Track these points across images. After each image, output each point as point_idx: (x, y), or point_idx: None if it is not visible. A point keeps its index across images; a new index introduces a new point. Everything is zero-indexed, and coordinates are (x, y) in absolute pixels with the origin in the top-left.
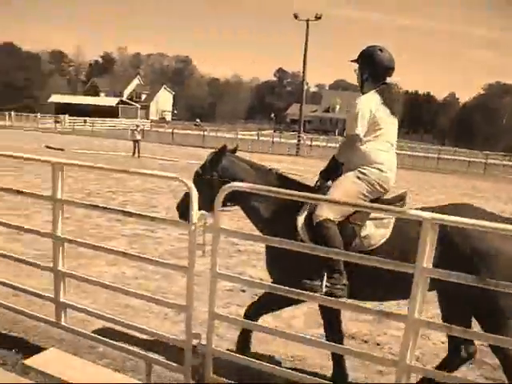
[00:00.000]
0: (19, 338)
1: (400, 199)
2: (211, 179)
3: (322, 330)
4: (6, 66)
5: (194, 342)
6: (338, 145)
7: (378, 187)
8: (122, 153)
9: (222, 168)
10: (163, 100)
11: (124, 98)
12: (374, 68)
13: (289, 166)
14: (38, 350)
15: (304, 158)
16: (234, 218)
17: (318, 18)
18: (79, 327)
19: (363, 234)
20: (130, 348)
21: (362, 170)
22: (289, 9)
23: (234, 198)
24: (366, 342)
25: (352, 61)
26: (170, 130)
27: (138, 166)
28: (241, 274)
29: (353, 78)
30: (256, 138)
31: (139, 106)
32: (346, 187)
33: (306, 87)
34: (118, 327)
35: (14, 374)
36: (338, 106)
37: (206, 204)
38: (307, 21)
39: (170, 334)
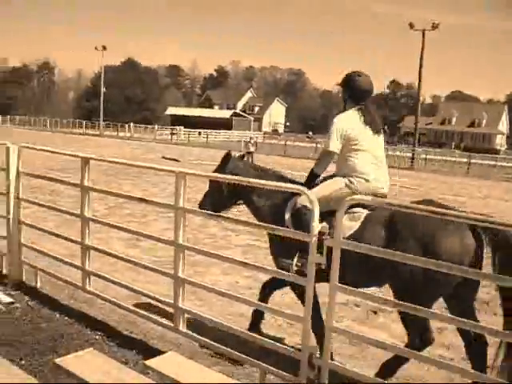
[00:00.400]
0: (139, 340)
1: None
2: (220, 182)
3: (439, 350)
4: (127, 81)
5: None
6: (453, 158)
7: (356, 187)
8: None
9: (228, 171)
10: (276, 112)
11: (237, 111)
12: (352, 91)
13: (401, 180)
14: (156, 352)
15: (418, 171)
16: None
17: (434, 27)
18: (193, 333)
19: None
20: (245, 356)
21: (351, 179)
22: (402, 19)
23: (240, 197)
24: None
25: (337, 84)
26: (283, 142)
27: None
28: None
29: (470, 89)
30: None
31: (252, 119)
32: (333, 189)
33: (420, 99)
34: (232, 335)
35: (135, 372)
36: (454, 118)
37: (217, 204)
38: (423, 30)
39: (282, 344)
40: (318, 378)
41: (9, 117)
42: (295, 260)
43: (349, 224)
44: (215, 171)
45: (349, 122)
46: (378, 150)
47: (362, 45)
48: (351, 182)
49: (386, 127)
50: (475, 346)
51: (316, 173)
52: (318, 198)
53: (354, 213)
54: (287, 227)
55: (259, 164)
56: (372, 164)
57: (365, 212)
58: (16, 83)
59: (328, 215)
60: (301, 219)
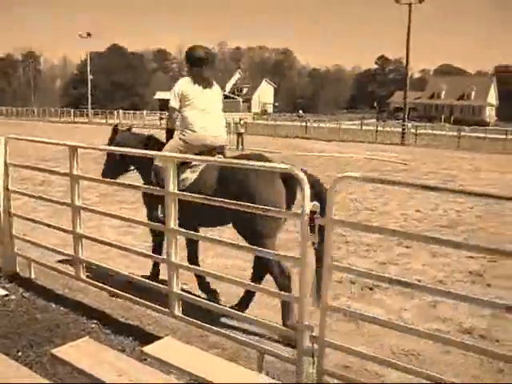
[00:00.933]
0: (135, 326)
1: (219, 152)
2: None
3: (434, 324)
4: (113, 66)
5: (308, 333)
6: (444, 132)
7: (194, 143)
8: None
9: (116, 142)
10: (264, 93)
11: (226, 92)
12: (188, 60)
13: (393, 155)
14: (153, 338)
15: (410, 146)
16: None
17: (421, 0)
18: (191, 317)
19: (182, 177)
20: (242, 338)
21: (182, 132)
22: None
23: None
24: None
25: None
26: (273, 123)
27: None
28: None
29: (458, 62)
30: (359, 127)
31: (241, 100)
32: (171, 143)
33: (409, 73)
34: (228, 317)
35: (133, 359)
36: (443, 92)
37: (112, 172)
38: (409, 4)
39: (278, 325)
40: (315, 356)
41: None
42: (159, 211)
43: (190, 175)
44: (108, 144)
45: (183, 83)
46: (207, 103)
47: (349, 21)
48: (183, 135)
49: (375, 103)
50: (280, 279)
51: (169, 128)
52: (169, 152)
53: (194, 166)
54: (153, 183)
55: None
56: (199, 116)
57: (203, 165)
58: (1, 74)
59: (182, 165)
60: (159, 177)
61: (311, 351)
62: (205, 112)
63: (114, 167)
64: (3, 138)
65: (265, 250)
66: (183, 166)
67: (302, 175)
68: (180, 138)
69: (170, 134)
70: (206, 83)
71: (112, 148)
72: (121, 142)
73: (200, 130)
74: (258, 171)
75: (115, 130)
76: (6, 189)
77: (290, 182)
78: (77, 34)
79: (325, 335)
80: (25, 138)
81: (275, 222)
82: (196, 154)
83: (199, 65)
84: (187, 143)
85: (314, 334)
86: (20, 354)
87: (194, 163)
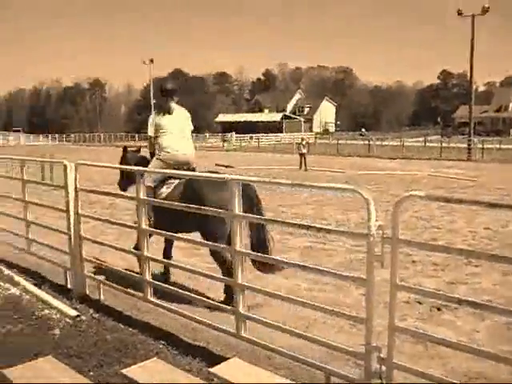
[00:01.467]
0: (201, 347)
1: (188, 167)
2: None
3: (507, 346)
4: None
5: (375, 354)
6: None
7: (168, 162)
8: (288, 167)
9: (128, 160)
10: (326, 112)
11: (287, 113)
12: (159, 92)
13: (459, 172)
14: (219, 358)
15: (476, 162)
16: None
17: (485, 11)
18: (256, 338)
19: (160, 192)
20: (308, 359)
21: (158, 154)
22: (449, 5)
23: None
24: None
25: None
26: (335, 142)
27: (307, 179)
28: (417, 286)
29: None
30: (423, 144)
31: (303, 120)
32: (153, 164)
33: (474, 87)
34: (295, 339)
35: (200, 380)
36: (511, 104)
37: (124, 185)
38: (472, 16)
39: (344, 346)
40: (383, 378)
41: (64, 135)
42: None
43: (165, 190)
44: (120, 162)
45: (154, 116)
46: (174, 128)
47: (408, 37)
48: (158, 155)
49: (438, 119)
50: (224, 267)
51: (150, 151)
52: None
53: (169, 183)
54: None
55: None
56: (170, 139)
57: (176, 181)
58: (69, 102)
59: (163, 181)
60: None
61: (379, 373)
62: (173, 135)
63: (125, 181)
64: (73, 165)
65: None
66: (161, 183)
67: (367, 195)
68: (157, 159)
69: (151, 156)
70: (170, 111)
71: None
72: (131, 160)
73: (172, 151)
74: (209, 182)
75: (125, 150)
76: (77, 213)
77: (244, 189)
78: (140, 61)
79: (393, 357)
80: (93, 164)
81: (225, 225)
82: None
83: (164, 95)
84: (164, 162)
85: (381, 355)
86: (91, 373)
87: (169, 181)
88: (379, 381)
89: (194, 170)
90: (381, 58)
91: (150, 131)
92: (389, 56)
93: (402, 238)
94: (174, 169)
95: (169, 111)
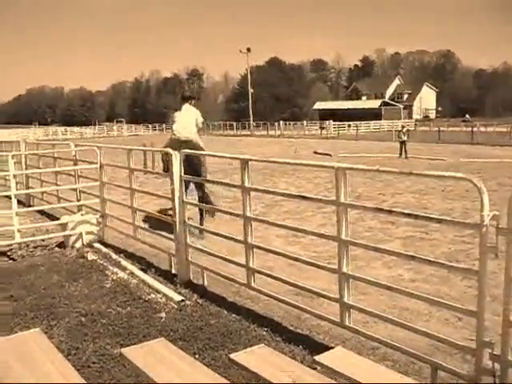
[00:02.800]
0: (304, 335)
1: (189, 145)
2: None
3: None
4: (273, 79)
5: (487, 350)
6: None
7: (174, 140)
8: (387, 154)
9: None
10: (426, 98)
11: (386, 100)
12: (179, 99)
13: None
14: (322, 347)
15: None
16: None
17: None
18: (360, 328)
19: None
20: (415, 351)
21: (171, 135)
22: None
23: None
24: None
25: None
26: (436, 129)
27: (407, 167)
28: None
29: None
30: None
31: (402, 107)
32: (166, 141)
33: None
34: (398, 330)
35: (307, 367)
36: None
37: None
38: None
39: (453, 339)
40: (496, 376)
41: (164, 125)
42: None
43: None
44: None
45: (175, 114)
46: (180, 120)
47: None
48: (171, 136)
49: None
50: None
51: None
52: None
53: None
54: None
55: None
56: (176, 126)
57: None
58: (169, 92)
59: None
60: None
61: (492, 370)
62: (179, 124)
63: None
64: (179, 154)
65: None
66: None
67: (480, 184)
68: (169, 138)
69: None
70: (181, 109)
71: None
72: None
73: (176, 133)
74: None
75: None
76: (182, 200)
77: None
78: (237, 50)
79: (508, 354)
80: (197, 153)
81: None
82: (178, 145)
83: (182, 100)
84: (171, 140)
85: (495, 352)
86: (196, 356)
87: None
88: (492, 378)
89: (195, 145)
90: (485, 41)
91: (171, 120)
92: (493, 39)
93: None
94: (179, 145)
95: (180, 109)
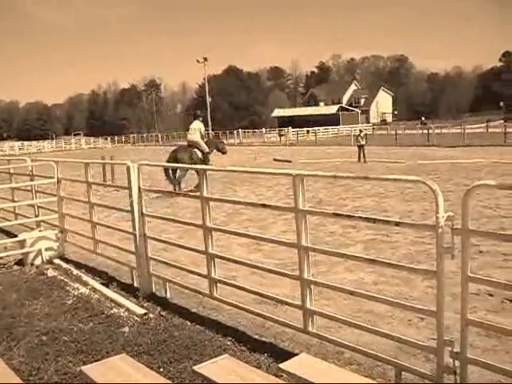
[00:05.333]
0: (269, 343)
1: (194, 145)
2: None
3: None
4: (230, 88)
5: (447, 349)
6: None
7: (188, 141)
8: (347, 159)
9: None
10: (382, 102)
11: (343, 105)
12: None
13: None
14: (287, 354)
15: None
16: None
17: None
18: (324, 333)
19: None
20: (379, 354)
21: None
22: None
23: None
24: None
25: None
26: (393, 132)
27: (366, 171)
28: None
29: None
30: (485, 130)
31: (359, 111)
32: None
33: None
34: (363, 333)
35: (272, 376)
36: None
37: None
38: None
39: (415, 340)
40: (457, 373)
41: (123, 136)
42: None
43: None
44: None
45: (190, 125)
46: (191, 129)
47: (465, 20)
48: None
49: (501, 103)
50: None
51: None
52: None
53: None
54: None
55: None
56: (189, 133)
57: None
58: (126, 104)
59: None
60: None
61: (452, 368)
62: (190, 130)
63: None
64: (136, 165)
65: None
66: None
67: (434, 186)
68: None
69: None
70: (193, 122)
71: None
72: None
73: (189, 137)
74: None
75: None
76: (141, 213)
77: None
78: (194, 60)
79: (467, 351)
80: (156, 164)
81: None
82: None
83: (194, 116)
84: (187, 141)
85: (455, 349)
86: (162, 369)
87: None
88: (453, 376)
89: (197, 144)
90: (437, 44)
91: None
92: (445, 40)
93: (472, 228)
94: (189, 144)
95: (192, 122)
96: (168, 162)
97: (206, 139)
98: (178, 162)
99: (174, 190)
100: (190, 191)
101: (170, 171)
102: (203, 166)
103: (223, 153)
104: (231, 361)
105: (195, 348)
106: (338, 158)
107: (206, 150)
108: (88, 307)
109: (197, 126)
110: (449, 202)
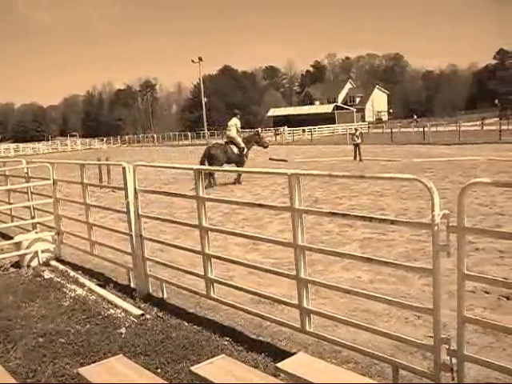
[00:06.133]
0: (266, 343)
1: (231, 141)
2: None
3: None
4: (226, 87)
5: (444, 346)
6: None
7: (226, 136)
8: (342, 158)
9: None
10: (378, 100)
11: (339, 104)
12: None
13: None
14: (285, 353)
15: None
16: None
17: None
18: (321, 332)
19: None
20: (376, 352)
21: None
22: None
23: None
24: None
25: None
26: (389, 130)
27: (362, 169)
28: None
29: None
30: (480, 127)
31: (355, 110)
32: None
33: None
34: (360, 332)
35: (269, 376)
36: None
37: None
38: None
39: (412, 338)
40: (454, 371)
41: (118, 137)
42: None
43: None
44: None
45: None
46: (228, 126)
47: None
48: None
49: (496, 101)
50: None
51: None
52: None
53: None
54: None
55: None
56: (228, 130)
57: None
58: (122, 105)
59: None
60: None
61: (449, 366)
62: (228, 127)
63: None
64: (132, 166)
65: None
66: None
67: (430, 184)
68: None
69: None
70: (231, 119)
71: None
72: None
73: (227, 132)
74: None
75: (258, 134)
76: (137, 214)
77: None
78: (189, 60)
79: (463, 348)
80: (152, 165)
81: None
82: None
83: (232, 115)
84: (226, 136)
85: (451, 347)
86: (159, 370)
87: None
88: (450, 373)
89: (234, 140)
90: (431, 42)
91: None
92: (440, 38)
93: (468, 226)
94: (227, 140)
95: (231, 120)
96: (202, 157)
97: (242, 135)
98: (211, 158)
99: (210, 182)
100: (234, 183)
101: (206, 164)
102: (196, 167)
103: (264, 147)
104: (228, 361)
105: (192, 348)
106: (333, 157)
107: (242, 145)
108: (85, 309)
109: (233, 122)
110: (445, 200)
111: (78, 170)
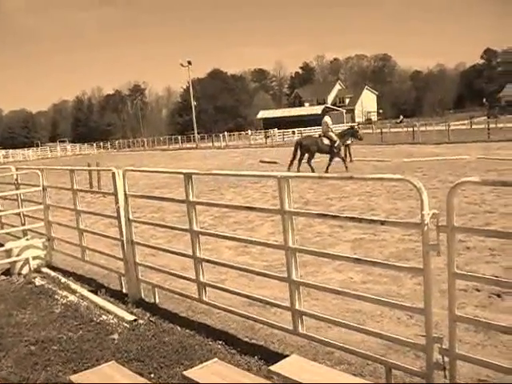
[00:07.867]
0: (259, 346)
1: (326, 134)
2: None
3: None
4: (216, 90)
5: (436, 345)
6: None
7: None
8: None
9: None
10: (367, 101)
11: (328, 105)
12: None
13: (510, 153)
14: (278, 356)
15: None
16: None
17: None
18: (314, 334)
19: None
20: (369, 353)
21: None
22: None
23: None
24: None
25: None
26: (379, 131)
27: (352, 170)
28: (473, 273)
29: None
30: (468, 126)
31: (344, 111)
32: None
33: None
34: (352, 333)
35: (263, 378)
36: None
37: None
38: None
39: (404, 338)
40: (446, 369)
41: (108, 142)
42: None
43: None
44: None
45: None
46: (323, 122)
47: (446, 17)
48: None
49: (484, 100)
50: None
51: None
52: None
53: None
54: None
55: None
56: (322, 124)
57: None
58: (111, 109)
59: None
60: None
61: (442, 364)
62: (322, 123)
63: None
64: (122, 171)
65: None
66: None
67: (419, 184)
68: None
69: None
70: (324, 118)
71: (221, 172)
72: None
73: (322, 126)
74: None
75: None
76: (128, 219)
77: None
78: (178, 64)
79: (455, 347)
80: (141, 170)
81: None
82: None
83: (323, 113)
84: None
85: (443, 346)
86: (152, 375)
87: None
88: (442, 372)
89: (327, 134)
90: (419, 42)
91: None
92: (427, 38)
93: (457, 225)
94: (322, 134)
95: (323, 117)
96: (295, 146)
97: (332, 131)
98: (302, 148)
99: (311, 168)
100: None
101: (299, 154)
102: (186, 171)
103: (360, 139)
104: (221, 365)
105: (185, 353)
106: (325, 158)
107: (334, 138)
108: (77, 315)
109: (324, 120)
110: (435, 199)
111: (67, 177)
